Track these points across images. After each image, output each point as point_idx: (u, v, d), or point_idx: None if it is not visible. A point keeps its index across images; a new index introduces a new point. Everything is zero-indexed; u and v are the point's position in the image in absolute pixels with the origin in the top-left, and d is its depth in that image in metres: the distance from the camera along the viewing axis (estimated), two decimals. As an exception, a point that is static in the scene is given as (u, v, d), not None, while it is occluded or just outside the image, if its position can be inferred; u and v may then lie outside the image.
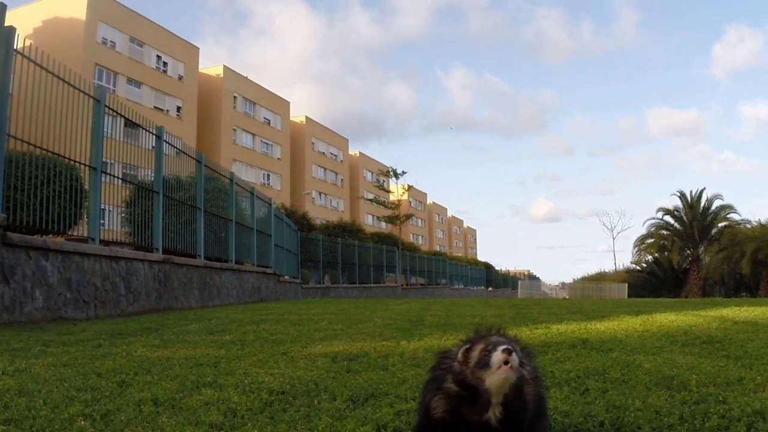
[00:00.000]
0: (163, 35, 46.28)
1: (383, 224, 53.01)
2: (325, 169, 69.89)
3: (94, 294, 8.37)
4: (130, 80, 42.80)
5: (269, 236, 19.11)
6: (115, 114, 9.86)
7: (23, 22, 31.49)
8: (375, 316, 7.93)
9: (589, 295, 45.68)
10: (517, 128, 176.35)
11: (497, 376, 1.50)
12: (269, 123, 59.34)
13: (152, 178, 11.21)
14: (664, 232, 49.73)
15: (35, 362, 3.61)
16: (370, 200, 39.04)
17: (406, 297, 30.58)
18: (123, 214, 11.18)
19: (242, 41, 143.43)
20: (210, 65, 53.43)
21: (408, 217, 38.82)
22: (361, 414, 2.27)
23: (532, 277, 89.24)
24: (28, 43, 7.64)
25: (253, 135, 56.62)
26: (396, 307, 10.43)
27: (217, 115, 51.82)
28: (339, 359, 3.67)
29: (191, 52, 49.34)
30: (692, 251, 48.11)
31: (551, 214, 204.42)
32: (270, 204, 19.93)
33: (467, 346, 1.59)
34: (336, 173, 72.25)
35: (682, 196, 49.25)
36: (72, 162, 8.51)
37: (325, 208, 67.34)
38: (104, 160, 9.23)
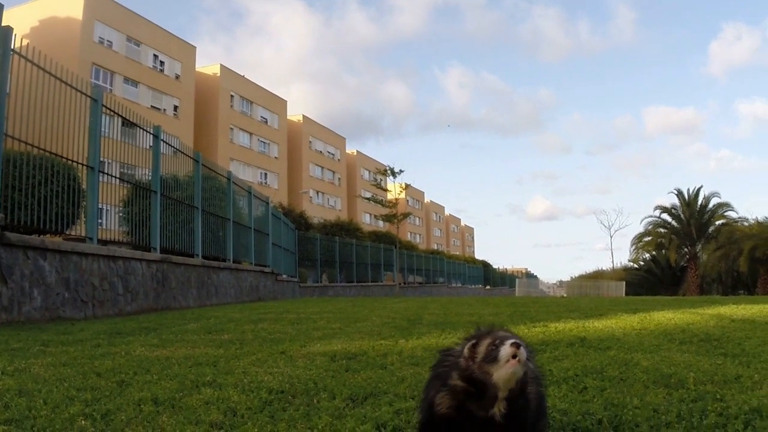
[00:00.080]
0: (159, 34, 46.21)
1: (381, 223, 53.07)
2: (322, 167, 69.87)
3: (92, 293, 8.37)
4: (127, 79, 42.75)
5: (267, 235, 19.10)
6: (112, 113, 9.85)
7: (20, 22, 31.40)
8: (373, 314, 7.94)
9: (586, 293, 45.74)
10: (514, 127, 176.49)
11: (505, 370, 1.50)
12: (266, 122, 59.31)
13: (150, 178, 11.21)
14: (662, 230, 49.80)
15: (34, 362, 3.61)
16: (368, 199, 39.04)
17: (404, 296, 30.60)
18: (120, 214, 11.17)
19: (239, 40, 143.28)
20: (206, 64, 53.44)
21: (405, 215, 38.82)
22: (360, 413, 2.28)
23: (529, 276, 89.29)
24: (25, 42, 7.63)
25: (251, 134, 56.59)
26: (394, 306, 10.44)
27: (214, 114, 51.79)
28: (338, 358, 3.68)
29: (188, 51, 49.29)
30: (690, 249, 48.18)
31: (548, 213, 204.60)
32: (267, 203, 19.92)
33: (473, 341, 1.59)
34: (333, 172, 72.23)
35: (680, 194, 49.34)
36: (69, 161, 8.50)
37: (322, 206, 67.33)
38: (102, 159, 9.21)
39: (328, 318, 7.34)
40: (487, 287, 66.54)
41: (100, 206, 9.19)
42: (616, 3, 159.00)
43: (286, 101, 63.15)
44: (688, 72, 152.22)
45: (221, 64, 53.31)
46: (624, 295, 42.48)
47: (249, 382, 2.88)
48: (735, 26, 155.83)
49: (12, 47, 7.19)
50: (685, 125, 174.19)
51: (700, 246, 47.87)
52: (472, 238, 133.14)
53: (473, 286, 61.34)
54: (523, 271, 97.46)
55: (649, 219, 50.79)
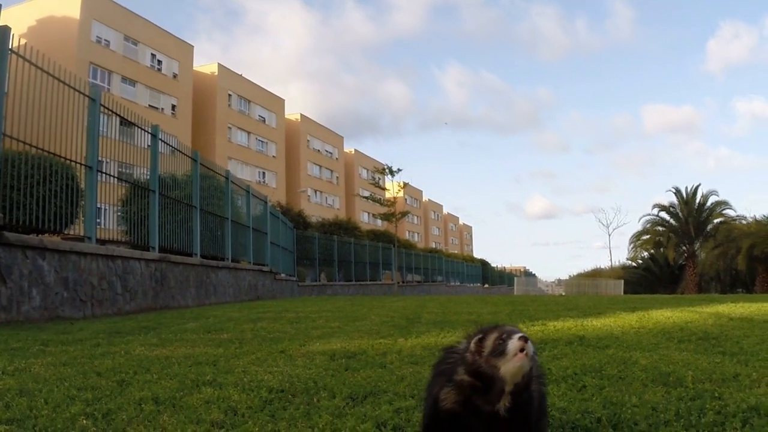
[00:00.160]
0: (157, 33, 46.17)
1: (379, 222, 53.08)
2: (320, 166, 69.86)
3: (90, 293, 8.37)
4: (124, 79, 42.71)
5: (265, 234, 19.10)
6: (110, 113, 9.85)
7: (17, 21, 31.32)
8: (372, 313, 7.94)
9: (585, 291, 45.78)
10: (512, 125, 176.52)
11: (513, 363, 1.51)
12: (264, 121, 59.28)
13: (148, 177, 11.21)
14: (660, 228, 49.87)
15: (35, 362, 3.62)
16: (366, 198, 39.04)
17: (403, 294, 30.61)
18: (119, 213, 11.17)
19: (236, 39, 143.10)
20: (204, 63, 53.41)
21: (404, 214, 38.81)
22: (360, 411, 2.29)
23: (528, 274, 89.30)
24: (23, 42, 7.63)
25: (248, 133, 56.57)
26: (392, 305, 10.44)
27: (211, 113, 51.76)
28: (337, 357, 3.69)
29: (185, 50, 49.26)
30: (688, 247, 48.25)
31: (547, 211, 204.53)
32: (266, 202, 19.91)
33: (480, 335, 1.60)
34: (331, 171, 72.22)
35: (678, 192, 49.42)
36: (68, 161, 8.50)
37: (320, 205, 67.32)
38: (100, 158, 9.21)
39: (327, 317, 7.35)
40: (486, 286, 66.55)
41: (98, 206, 9.19)
42: (614, 1, 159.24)
43: (283, 100, 63.16)
44: (686, 70, 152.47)
45: (219, 63, 53.28)
46: (622, 293, 42.53)
47: (249, 381, 2.89)
48: (733, 24, 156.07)
49: (10, 47, 7.19)
50: (684, 123, 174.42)
51: (698, 244, 47.94)
52: (471, 236, 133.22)
53: (472, 285, 61.37)
54: (522, 270, 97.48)
55: (648, 217, 50.89)
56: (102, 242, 9.39)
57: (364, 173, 76.33)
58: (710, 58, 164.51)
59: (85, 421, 2.16)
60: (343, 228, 39.39)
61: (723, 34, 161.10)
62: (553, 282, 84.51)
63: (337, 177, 73.24)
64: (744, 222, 45.90)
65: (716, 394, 2.48)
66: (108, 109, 9.71)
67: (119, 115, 10.13)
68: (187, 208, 12.64)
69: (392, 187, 38.74)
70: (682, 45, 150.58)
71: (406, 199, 78.35)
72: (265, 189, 48.06)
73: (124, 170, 10.86)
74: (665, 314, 6.92)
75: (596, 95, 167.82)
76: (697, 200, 48.37)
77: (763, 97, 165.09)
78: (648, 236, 50.69)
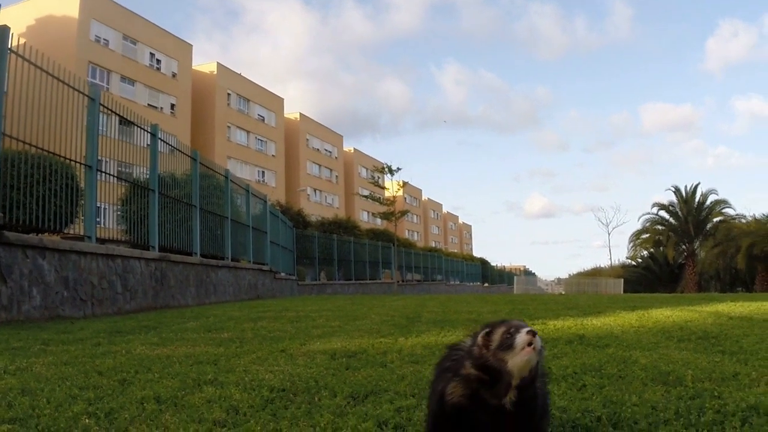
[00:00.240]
0: (156, 33, 46.15)
1: (378, 220, 53.11)
2: (319, 165, 69.85)
3: (91, 292, 8.38)
4: (123, 78, 42.69)
5: (265, 233, 19.11)
6: (109, 112, 9.85)
7: (16, 21, 31.30)
8: (372, 312, 7.95)
9: (584, 290, 45.80)
10: (511, 124, 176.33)
11: (521, 357, 1.52)
12: (263, 120, 59.26)
13: (147, 176, 11.21)
14: (659, 227, 49.88)
15: (36, 361, 3.63)
16: (366, 197, 39.05)
17: (402, 293, 30.62)
18: (119, 212, 11.18)
19: (235, 38, 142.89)
20: (203, 62, 53.37)
21: (403, 213, 38.83)
22: (361, 410, 2.29)
23: (527, 273, 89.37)
24: (22, 41, 7.62)
25: (248, 132, 56.55)
26: (392, 304, 10.45)
27: (211, 112, 51.73)
28: (338, 356, 3.70)
29: (184, 49, 49.22)
30: (687, 246, 48.27)
31: (546, 210, 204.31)
32: (265, 201, 19.92)
33: (487, 329, 1.61)
34: (331, 170, 72.22)
35: (677, 191, 49.43)
36: (67, 160, 8.50)
37: (320, 204, 67.31)
38: (99, 158, 9.21)
39: (328, 316, 7.36)
40: (486, 285, 66.58)
41: (98, 205, 9.20)
42: (613, 0, 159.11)
43: (283, 99, 63.13)
44: (684, 69, 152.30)
45: (218, 63, 53.25)
46: (622, 292, 42.57)
47: (250, 380, 2.90)
48: (732, 23, 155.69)
49: (9, 46, 7.18)
50: (682, 122, 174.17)
51: (697, 243, 47.96)
52: (470, 235, 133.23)
53: (471, 284, 61.41)
54: (521, 269, 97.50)
55: (647, 216, 50.91)
56: (102, 241, 9.39)
57: (363, 172, 76.33)
58: (709, 57, 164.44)
59: (87, 420, 2.17)
60: (343, 227, 39.39)
61: (722, 32, 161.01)
62: (553, 281, 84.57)
63: (336, 176, 73.24)
64: (743, 221, 45.95)
65: (716, 393, 2.49)
66: (107, 108, 9.71)
67: (118, 115, 10.14)
68: (186, 207, 12.65)
69: (391, 186, 38.76)
70: (681, 43, 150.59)
71: (405, 198, 78.35)
72: (265, 188, 48.05)
73: (123, 169, 10.86)
74: (665, 313, 6.93)
75: (595, 94, 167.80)
76: (697, 199, 48.42)
77: (762, 95, 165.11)
78: (647, 235, 50.72)
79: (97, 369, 3.31)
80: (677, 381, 2.77)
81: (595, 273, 62.49)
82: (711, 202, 47.96)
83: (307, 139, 67.59)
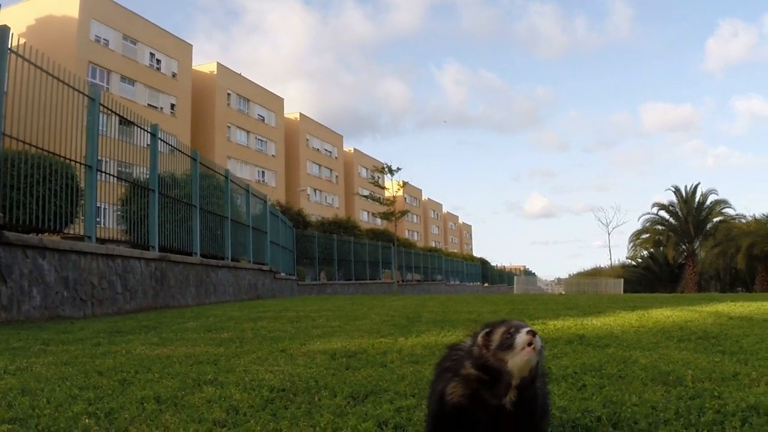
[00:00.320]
0: (156, 33, 46.15)
1: (378, 220, 53.11)
2: (319, 165, 69.85)
3: (91, 292, 8.38)
4: (123, 78, 42.69)
5: (265, 233, 19.11)
6: (109, 112, 9.85)
7: (16, 21, 31.30)
8: (372, 312, 7.95)
9: (584, 290, 45.81)
10: (511, 124, 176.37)
11: (521, 357, 1.53)
12: (263, 120, 59.27)
13: (147, 176, 11.21)
14: (659, 227, 49.88)
15: (36, 361, 3.63)
16: (366, 197, 39.06)
17: (402, 293, 30.62)
18: (119, 212, 11.18)
19: (235, 38, 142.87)
20: (203, 62, 53.38)
21: (403, 213, 38.84)
22: (361, 410, 2.30)
23: (527, 273, 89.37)
24: (22, 41, 7.62)
25: (248, 132, 56.56)
26: (392, 304, 10.46)
27: (211, 112, 51.74)
28: (338, 356, 3.70)
29: (184, 49, 49.23)
30: (687, 246, 48.27)
31: (546, 210, 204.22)
32: (265, 201, 19.92)
33: (487, 329, 1.61)
34: (331, 170, 72.22)
35: (677, 191, 49.43)
36: (67, 160, 8.50)
37: (320, 204, 67.32)
38: (99, 158, 9.21)
39: (327, 316, 7.36)
40: (486, 285, 66.59)
41: (98, 205, 9.20)
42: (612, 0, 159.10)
43: (283, 99, 63.14)
44: (685, 69, 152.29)
45: (218, 63, 53.25)
46: (622, 292, 42.57)
47: (250, 380, 2.90)
48: (732, 23, 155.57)
49: (9, 46, 7.18)
50: (683, 122, 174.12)
51: (697, 243, 47.96)
52: (470, 235, 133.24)
53: (471, 284, 61.42)
54: (521, 269, 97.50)
55: (647, 216, 50.91)
56: (102, 241, 9.40)
57: (363, 172, 76.34)
58: (709, 57, 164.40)
59: (87, 420, 2.17)
60: (343, 227, 39.40)
61: (722, 32, 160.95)
62: (553, 281, 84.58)
63: (336, 176, 73.25)
64: (743, 221, 45.96)
65: (716, 393, 2.49)
66: (107, 108, 9.72)
67: (118, 115, 10.14)
68: (186, 207, 12.65)
69: (391, 186, 38.76)
70: (681, 43, 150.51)
71: (405, 198, 78.35)
72: (265, 188, 48.06)
73: (123, 169, 10.87)
74: (665, 313, 6.93)
75: (595, 94, 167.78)
76: (697, 199, 48.42)
77: (762, 95, 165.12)
78: (647, 235, 50.72)
79: (97, 369, 3.31)
80: (677, 381, 2.77)
81: (595, 273, 62.50)
82: (711, 202, 47.99)
83: (307, 139, 67.59)
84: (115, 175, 10.15)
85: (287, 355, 3.84)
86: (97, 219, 9.24)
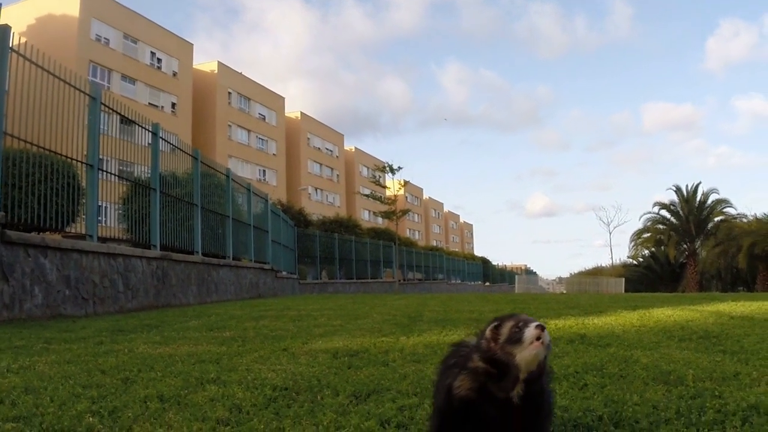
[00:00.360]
0: (156, 32, 46.16)
1: (380, 219, 53.11)
2: (320, 164, 69.86)
3: (92, 291, 8.39)
4: (124, 77, 42.71)
5: (266, 232, 19.12)
6: (110, 111, 9.86)
7: (17, 20, 31.33)
8: (373, 311, 7.96)
9: (586, 289, 45.82)
10: (512, 123, 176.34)
11: (529, 351, 1.53)
12: (264, 119, 59.28)
13: (149, 175, 11.22)
14: (661, 226, 49.87)
15: (38, 360, 3.64)
16: (367, 196, 39.08)
17: (404, 292, 30.63)
18: (120, 211, 11.19)
19: (235, 37, 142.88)
20: (204, 61, 53.39)
21: (405, 212, 38.85)
22: (364, 409, 2.30)
23: (529, 272, 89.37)
24: (23, 40, 7.63)
25: (249, 131, 56.57)
26: (394, 303, 10.46)
27: (211, 111, 51.75)
28: (340, 355, 3.70)
29: (185, 48, 49.25)
30: (689, 245, 48.26)
31: (547, 209, 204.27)
32: (266, 200, 19.93)
33: (496, 323, 1.62)
34: (332, 169, 72.22)
35: (678, 190, 49.41)
36: (69, 159, 8.51)
37: (321, 203, 67.33)
38: (101, 156, 9.22)
39: (329, 315, 7.37)
40: (487, 284, 66.61)
41: (99, 204, 9.20)
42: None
43: (283, 98, 63.12)
44: (685, 68, 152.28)
45: (218, 61, 53.26)
46: (623, 291, 42.57)
47: (253, 379, 2.91)
48: (732, 22, 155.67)
49: (10, 45, 7.19)
50: (684, 121, 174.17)
51: (699, 242, 47.96)
52: (471, 234, 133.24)
53: (473, 283, 61.45)
54: (523, 268, 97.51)
55: (648, 215, 50.93)
56: (103, 240, 9.41)
57: (364, 171, 76.35)
58: (710, 56, 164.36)
59: (91, 419, 2.18)
60: (344, 226, 39.42)
61: (722, 32, 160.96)
62: (554, 280, 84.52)
63: (337, 175, 73.25)
64: (745, 220, 45.96)
65: (716, 393, 2.50)
66: (108, 107, 9.73)
67: (119, 114, 10.15)
68: (188, 206, 12.66)
69: (393, 185, 38.78)
70: (682, 43, 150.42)
71: (406, 197, 78.35)
72: (266, 187, 48.09)
73: (124, 168, 10.88)
74: (666, 313, 6.94)
75: (596, 93, 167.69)
76: (698, 198, 48.39)
77: (763, 95, 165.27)
78: (649, 234, 50.70)
79: (100, 367, 3.32)
80: (678, 380, 2.78)
81: (597, 272, 62.53)
82: (712, 202, 47.97)
83: (308, 138, 67.60)
84: (117, 173, 10.16)
85: (289, 354, 3.84)
86: (99, 218, 9.24)
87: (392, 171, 36.33)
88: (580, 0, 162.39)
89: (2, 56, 7.02)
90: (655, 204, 53.60)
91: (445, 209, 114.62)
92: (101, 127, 9.35)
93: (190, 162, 13.24)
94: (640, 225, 54.09)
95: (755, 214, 47.36)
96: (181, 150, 12.93)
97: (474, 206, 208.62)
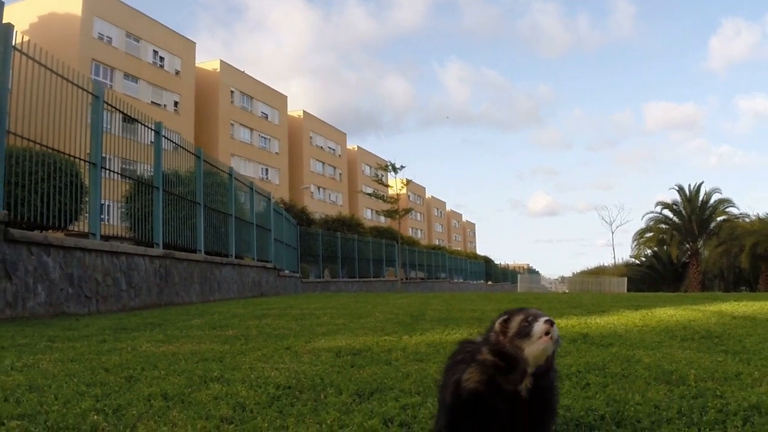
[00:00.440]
0: (159, 30, 46.18)
1: (382, 218, 53.09)
2: (323, 163, 69.88)
3: (95, 289, 8.41)
4: (127, 75, 42.74)
5: (269, 231, 19.14)
6: (113, 109, 9.88)
7: (19, 19, 31.40)
8: (376, 310, 7.97)
9: (588, 289, 45.82)
10: (514, 122, 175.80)
11: (537, 345, 1.54)
12: (267, 117, 59.29)
13: (151, 173, 11.24)
14: (663, 226, 49.85)
15: (42, 358, 3.65)
16: (369, 195, 39.11)
17: (406, 291, 30.64)
18: (123, 210, 11.21)
19: (237, 35, 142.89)
20: (206, 60, 53.41)
21: (407, 211, 38.84)
22: (367, 408, 2.31)
23: (531, 271, 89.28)
24: (25, 39, 7.64)
25: (251, 129, 56.59)
26: (396, 302, 10.48)
27: (214, 109, 51.77)
28: (343, 354, 3.71)
29: (188, 46, 49.26)
30: (691, 245, 48.24)
31: (549, 208, 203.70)
32: (269, 198, 19.95)
33: (505, 317, 1.63)
34: (334, 167, 72.24)
35: (681, 190, 49.41)
36: (71, 158, 8.53)
37: (323, 202, 67.36)
38: (103, 155, 9.24)
39: (332, 314, 7.38)
40: (489, 283, 66.60)
41: (102, 202, 9.23)
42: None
43: (286, 97, 63.12)
44: (687, 67, 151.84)
45: (221, 60, 53.28)
46: (626, 291, 42.55)
47: (256, 377, 2.92)
48: (734, 22, 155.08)
49: (13, 44, 7.21)
50: (686, 121, 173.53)
51: (701, 242, 47.94)
52: (474, 233, 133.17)
53: (475, 282, 61.43)
54: (525, 267, 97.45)
55: (651, 215, 50.97)
56: (106, 238, 9.43)
57: (367, 170, 76.38)
58: (712, 56, 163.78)
59: (95, 417, 2.19)
60: (347, 225, 39.46)
61: (725, 31, 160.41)
62: (557, 279, 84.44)
63: (340, 173, 73.27)
64: (747, 220, 45.97)
65: (718, 393, 2.50)
66: (111, 105, 9.74)
67: (122, 112, 10.17)
68: (190, 204, 12.68)
69: (395, 184, 38.78)
70: (684, 42, 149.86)
71: (409, 196, 78.34)
72: (268, 186, 48.14)
73: (127, 167, 10.91)
74: (668, 312, 6.94)
75: (598, 92, 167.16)
76: (700, 198, 48.38)
77: (765, 94, 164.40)
78: (651, 234, 50.70)
79: (104, 366, 3.34)
80: (680, 380, 2.78)
81: (599, 272, 62.48)
82: (715, 201, 47.97)
83: (311, 137, 67.61)
84: (119, 172, 10.18)
85: (292, 352, 3.85)
86: (102, 216, 9.27)
87: (395, 170, 36.32)
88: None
89: (5, 55, 7.03)
90: (657, 203, 53.62)
91: (448, 208, 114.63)
92: (104, 125, 9.37)
93: (193, 160, 13.26)
94: (642, 224, 54.20)
95: (758, 213, 47.44)
96: (183, 148, 12.95)
97: (476, 205, 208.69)
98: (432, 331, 5.11)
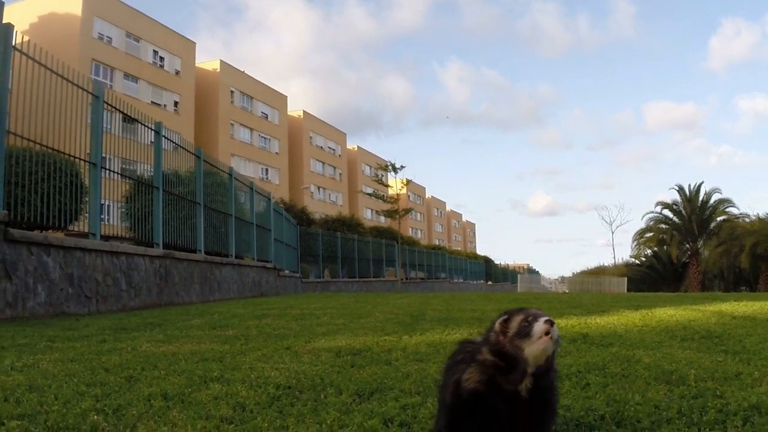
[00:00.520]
0: (159, 30, 46.19)
1: (382, 218, 53.10)
2: (323, 163, 69.88)
3: (95, 289, 8.41)
4: (127, 75, 42.74)
5: (269, 231, 19.14)
6: (113, 109, 9.88)
7: (19, 19, 31.41)
8: (376, 310, 7.97)
9: (588, 289, 45.82)
10: (514, 122, 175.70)
11: (537, 345, 1.54)
12: (267, 117, 59.29)
13: (151, 173, 11.24)
14: (663, 226, 49.86)
15: (42, 358, 3.65)
16: (369, 195, 39.12)
17: (406, 291, 30.64)
18: (123, 209, 11.22)
19: (237, 35, 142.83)
20: (206, 60, 53.42)
21: (407, 211, 38.84)
22: (367, 408, 2.31)
23: (531, 271, 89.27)
24: (25, 39, 7.64)
25: (251, 129, 56.59)
26: (396, 302, 10.48)
27: (214, 109, 51.77)
28: (343, 354, 3.71)
29: (188, 46, 49.26)
30: (691, 245, 48.24)
31: (550, 208, 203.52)
32: (269, 198, 19.95)
33: (505, 317, 1.63)
34: (334, 167, 72.24)
35: (681, 190, 49.41)
36: (71, 158, 8.53)
37: (323, 202, 67.36)
38: (103, 155, 9.24)
39: (332, 314, 7.38)
40: (489, 283, 66.59)
41: (102, 202, 9.23)
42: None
43: (286, 97, 63.12)
44: (688, 67, 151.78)
45: (221, 60, 53.28)
46: (626, 291, 42.55)
47: (256, 377, 2.92)
48: (734, 22, 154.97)
49: (13, 44, 7.21)
50: (686, 120, 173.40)
51: (701, 242, 47.95)
52: (474, 233, 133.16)
53: (475, 282, 61.43)
54: (525, 267, 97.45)
55: (651, 215, 50.99)
56: (106, 238, 9.43)
57: (367, 170, 76.38)
58: (712, 56, 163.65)
59: (95, 417, 2.19)
60: (347, 225, 39.46)
61: (725, 31, 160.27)
62: (557, 279, 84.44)
63: (340, 173, 73.27)
64: (747, 220, 45.99)
65: (718, 393, 2.50)
66: (111, 105, 9.74)
67: (122, 112, 10.17)
68: (190, 204, 12.68)
69: (395, 184, 38.77)
70: (684, 42, 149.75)
71: (409, 196, 78.33)
72: (268, 186, 48.14)
73: (127, 167, 10.91)
74: (668, 312, 6.94)
75: (598, 92, 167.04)
76: (700, 198, 48.39)
77: (765, 94, 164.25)
78: (651, 234, 50.71)
79: (104, 366, 3.34)
80: (680, 380, 2.78)
81: (599, 272, 62.49)
82: (715, 201, 47.98)
83: (311, 137, 67.61)
84: (119, 172, 10.18)
85: (292, 352, 3.85)
86: (102, 216, 9.27)
87: (395, 170, 36.31)
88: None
89: (5, 55, 7.03)
90: (657, 203, 53.60)
91: (448, 208, 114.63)
92: (104, 125, 9.37)
93: (193, 160, 13.26)
94: (642, 224, 54.22)
95: (758, 213, 47.45)
96: (183, 148, 12.95)
97: (476, 205, 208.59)
98: (432, 331, 5.11)
